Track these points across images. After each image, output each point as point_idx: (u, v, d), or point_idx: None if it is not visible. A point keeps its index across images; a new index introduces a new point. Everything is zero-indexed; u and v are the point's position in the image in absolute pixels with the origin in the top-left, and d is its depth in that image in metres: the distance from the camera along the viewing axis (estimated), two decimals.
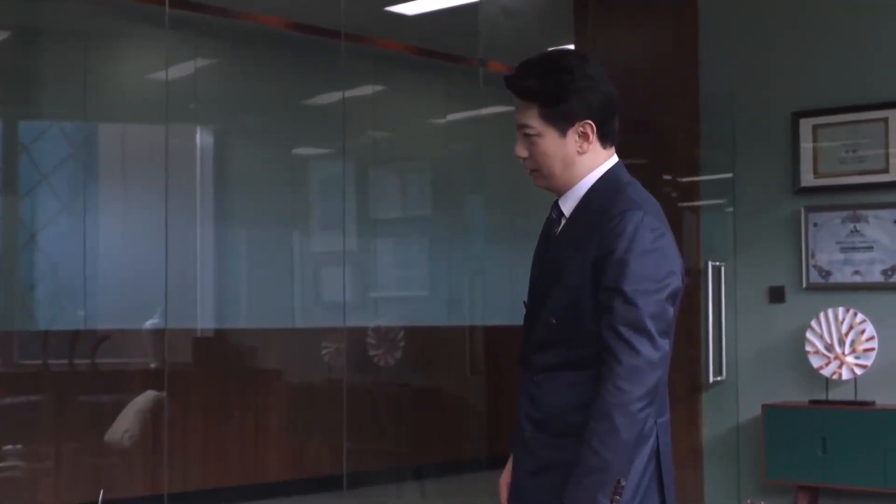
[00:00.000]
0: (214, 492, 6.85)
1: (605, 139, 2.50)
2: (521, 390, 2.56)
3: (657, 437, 2.45)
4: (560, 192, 2.52)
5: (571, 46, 6.41)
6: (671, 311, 2.40)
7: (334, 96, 7.18)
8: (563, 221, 2.51)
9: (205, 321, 7.66)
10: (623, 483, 2.34)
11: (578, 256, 2.41)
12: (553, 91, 2.43)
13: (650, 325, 2.33)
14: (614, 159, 2.53)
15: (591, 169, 2.49)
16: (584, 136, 2.46)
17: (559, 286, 2.45)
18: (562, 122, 2.45)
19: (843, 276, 6.05)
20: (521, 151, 2.51)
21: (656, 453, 2.45)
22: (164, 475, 6.15)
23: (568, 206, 2.50)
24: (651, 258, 2.36)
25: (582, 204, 2.48)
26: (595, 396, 2.34)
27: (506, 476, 2.65)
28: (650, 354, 2.33)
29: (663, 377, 2.43)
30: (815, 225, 6.12)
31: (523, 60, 2.49)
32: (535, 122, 2.46)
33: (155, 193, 6.39)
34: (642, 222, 2.37)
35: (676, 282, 2.41)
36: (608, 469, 2.32)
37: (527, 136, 2.48)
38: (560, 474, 2.40)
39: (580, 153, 2.48)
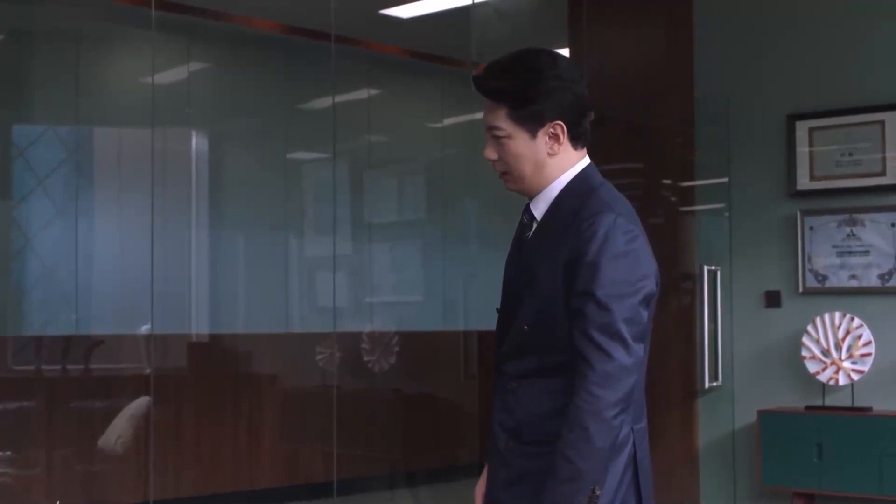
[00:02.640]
0: (207, 498, 6.80)
1: (576, 140, 2.44)
2: (495, 398, 2.51)
3: (634, 444, 2.40)
4: (531, 195, 2.47)
5: (566, 49, 6.36)
6: (645, 315, 2.35)
7: (328, 100, 7.14)
8: (535, 225, 2.46)
9: (199, 326, 7.62)
10: (598, 492, 2.29)
11: (550, 261, 2.36)
12: (522, 91, 2.38)
13: (624, 330, 2.28)
14: (586, 161, 2.47)
15: (563, 171, 2.44)
16: (555, 138, 2.41)
17: (531, 291, 2.39)
18: (532, 124, 2.39)
19: (839, 280, 6.00)
20: (491, 154, 2.46)
21: (633, 461, 2.40)
22: (150, 481, 6.10)
23: (539, 209, 2.45)
24: (624, 261, 2.31)
25: (553, 207, 2.43)
26: (569, 404, 2.29)
27: (481, 486, 2.61)
28: (623, 360, 2.28)
29: (639, 382, 2.38)
30: (812, 229, 6.08)
31: (492, 60, 2.44)
32: (504, 123, 2.41)
33: (149, 197, 6.36)
34: (615, 225, 2.31)
35: (650, 285, 2.36)
36: (582, 478, 2.27)
37: (496, 137, 2.43)
38: (535, 484, 2.36)
39: (551, 155, 2.42)
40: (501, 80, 2.41)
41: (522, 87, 2.38)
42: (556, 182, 2.44)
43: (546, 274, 2.37)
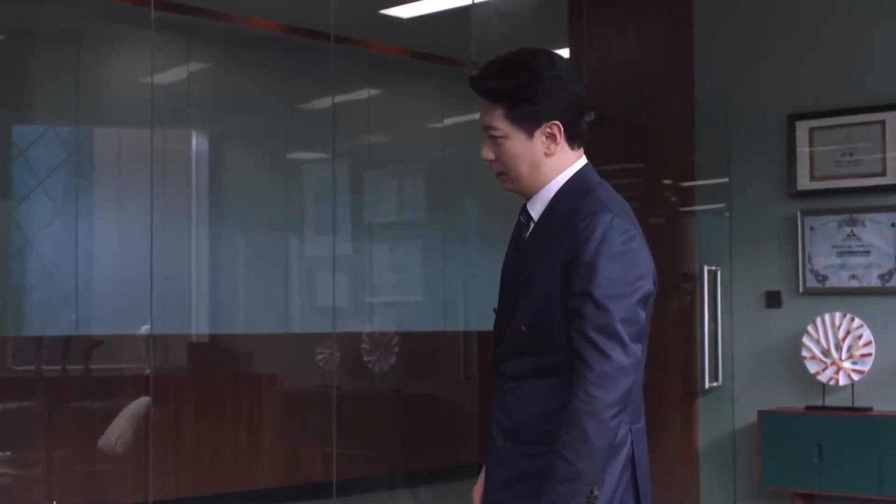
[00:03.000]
0: (207, 499, 6.80)
1: (573, 140, 2.44)
2: (493, 398, 2.50)
3: (632, 445, 2.40)
4: (528, 195, 2.47)
5: (566, 49, 6.36)
6: (643, 315, 2.34)
7: (328, 100, 7.14)
8: (532, 225, 2.45)
9: (199, 326, 7.62)
10: (596, 493, 2.29)
11: (547, 261, 2.36)
12: (519, 91, 2.37)
13: (621, 330, 2.27)
14: (583, 161, 2.47)
15: (560, 171, 2.43)
16: (552, 138, 2.41)
17: (528, 292, 2.39)
18: (528, 124, 2.39)
19: (839, 280, 5.99)
20: (488, 154, 2.46)
21: (631, 461, 2.40)
22: (149, 482, 6.10)
23: (536, 209, 2.45)
24: (621, 261, 2.30)
25: (550, 207, 2.42)
26: (567, 404, 2.29)
27: (479, 487, 2.60)
28: (621, 360, 2.27)
29: (637, 383, 2.38)
30: (812, 229, 6.07)
31: (488, 61, 2.44)
32: (500, 123, 2.41)
33: (149, 198, 6.35)
34: (612, 225, 2.31)
35: (648, 285, 2.35)
36: (579, 478, 2.26)
37: (493, 137, 2.43)
38: (533, 485, 2.35)
39: (548, 155, 2.42)
40: (498, 80, 2.40)
41: (519, 87, 2.38)
42: (553, 182, 2.43)
43: (543, 274, 2.36)
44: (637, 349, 2.31)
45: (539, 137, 2.41)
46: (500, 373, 2.48)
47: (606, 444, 2.28)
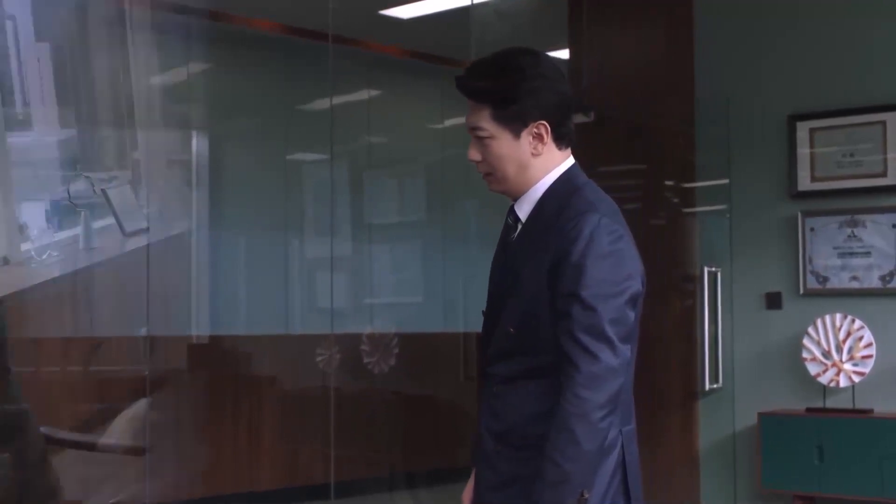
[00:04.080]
0: (207, 500, 6.79)
1: (560, 140, 2.42)
2: (482, 401, 2.49)
3: (622, 447, 2.38)
4: (515, 196, 2.45)
5: (566, 49, 6.34)
6: (632, 315, 2.33)
7: (328, 101, 7.13)
8: (519, 227, 2.44)
9: (199, 327, 7.60)
10: (587, 495, 2.27)
11: (534, 262, 2.34)
12: (505, 92, 2.36)
13: (610, 331, 2.26)
14: (570, 161, 2.45)
15: (547, 171, 2.42)
16: (539, 138, 2.39)
17: (516, 293, 2.38)
18: (515, 124, 2.37)
19: (840, 281, 5.97)
20: (475, 155, 2.45)
21: (622, 464, 2.38)
22: (146, 483, 6.09)
23: (524, 210, 2.43)
24: (609, 261, 2.29)
25: (537, 208, 2.41)
26: (555, 406, 2.27)
27: (468, 491, 2.59)
28: (610, 361, 2.26)
29: (626, 384, 2.36)
30: (813, 230, 6.05)
31: (474, 61, 2.43)
32: (487, 123, 2.39)
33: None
34: (599, 225, 2.29)
35: (636, 285, 2.34)
36: (569, 481, 2.25)
37: (479, 138, 2.42)
38: (523, 488, 2.33)
39: (534, 155, 2.40)
40: (484, 81, 2.39)
41: (505, 88, 2.36)
42: (541, 183, 2.42)
43: (531, 275, 2.35)
44: (626, 350, 2.30)
45: (526, 138, 2.39)
46: (489, 375, 2.46)
47: (596, 447, 2.26)
